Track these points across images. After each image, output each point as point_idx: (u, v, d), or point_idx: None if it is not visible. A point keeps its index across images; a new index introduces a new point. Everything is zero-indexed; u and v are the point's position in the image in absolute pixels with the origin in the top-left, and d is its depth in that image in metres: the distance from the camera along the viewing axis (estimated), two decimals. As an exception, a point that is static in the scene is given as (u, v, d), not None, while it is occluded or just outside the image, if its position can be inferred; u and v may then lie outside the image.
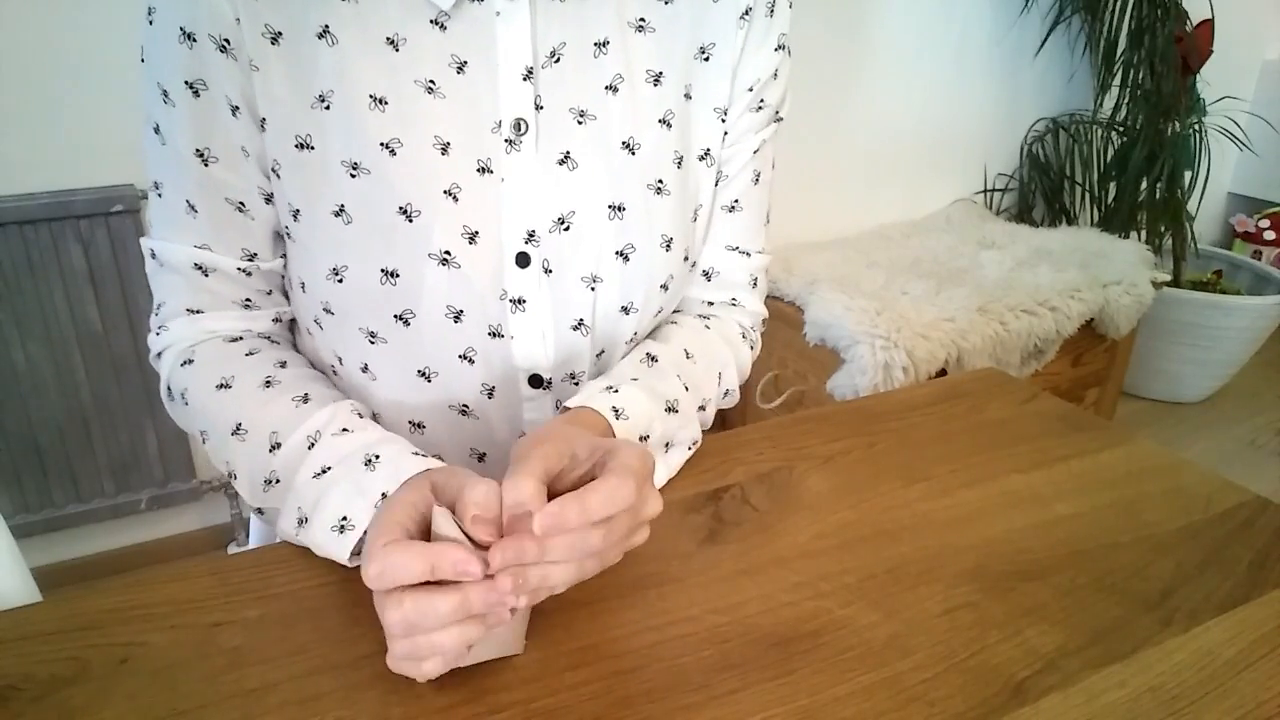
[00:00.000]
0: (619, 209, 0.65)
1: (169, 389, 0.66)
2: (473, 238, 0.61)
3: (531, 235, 0.63)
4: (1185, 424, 2.38)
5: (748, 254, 0.76)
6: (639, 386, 0.63)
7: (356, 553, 0.54)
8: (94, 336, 1.49)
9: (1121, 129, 2.29)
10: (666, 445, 0.65)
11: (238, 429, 0.60)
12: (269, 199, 0.63)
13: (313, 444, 0.58)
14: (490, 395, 0.67)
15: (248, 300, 0.67)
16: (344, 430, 0.58)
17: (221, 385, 0.62)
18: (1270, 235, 2.75)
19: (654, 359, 0.68)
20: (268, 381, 0.62)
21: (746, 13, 0.67)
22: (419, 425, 0.68)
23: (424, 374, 0.65)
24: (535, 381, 0.67)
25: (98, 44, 1.38)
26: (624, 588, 0.54)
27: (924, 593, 0.55)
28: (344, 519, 0.53)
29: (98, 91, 1.41)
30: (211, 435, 0.62)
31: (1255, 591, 0.56)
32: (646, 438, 0.62)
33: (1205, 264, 2.60)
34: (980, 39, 2.26)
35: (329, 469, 0.56)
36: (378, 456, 0.55)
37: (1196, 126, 2.26)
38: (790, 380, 1.88)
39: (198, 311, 0.66)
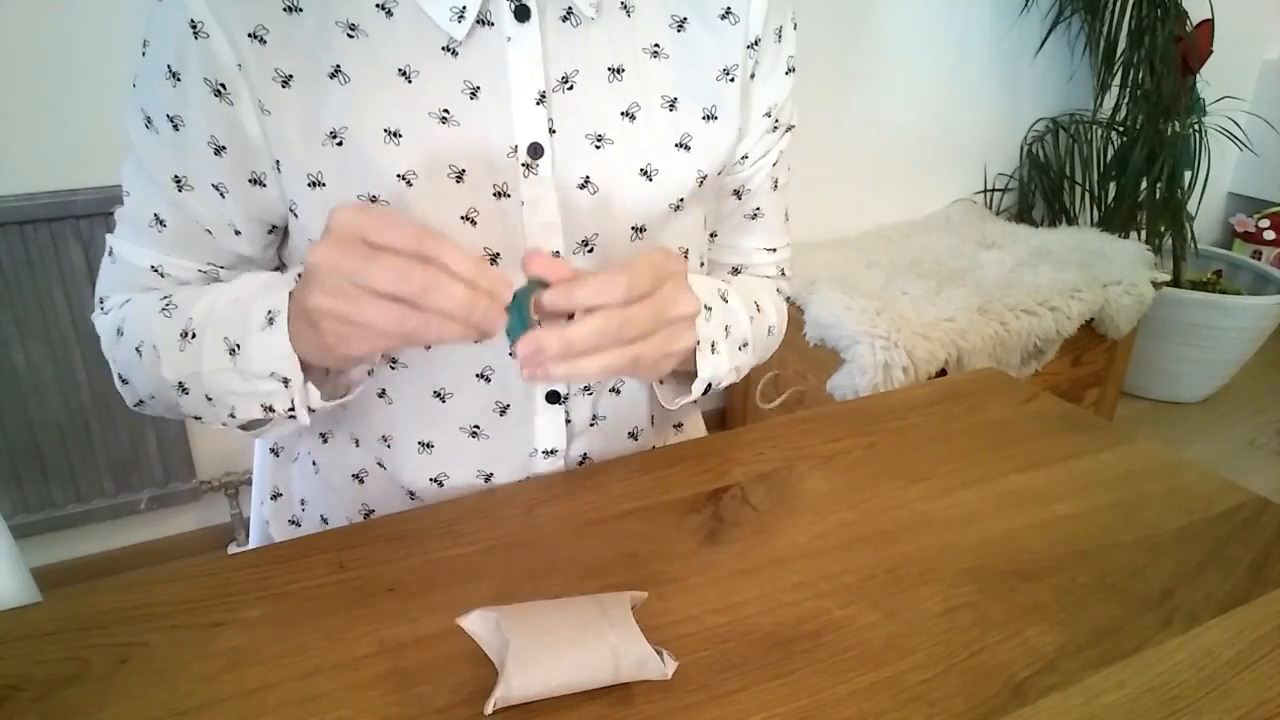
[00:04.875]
0: (640, 230, 0.66)
1: (113, 331, 0.65)
2: (493, 260, 0.62)
3: (555, 257, 0.63)
4: (1185, 424, 2.37)
5: (773, 250, 0.80)
6: (694, 278, 0.66)
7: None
8: (94, 336, 1.48)
9: (1121, 129, 2.29)
10: (726, 328, 0.67)
11: (165, 307, 0.62)
12: (239, 232, 0.64)
13: (227, 285, 0.60)
14: (503, 414, 0.67)
15: None
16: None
17: (166, 296, 0.63)
18: (1270, 235, 2.74)
19: None
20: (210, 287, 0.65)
21: (755, 42, 0.68)
22: (428, 445, 0.68)
23: (439, 394, 0.66)
24: (552, 397, 0.68)
25: (98, 44, 1.38)
26: (625, 588, 0.54)
27: (924, 593, 0.55)
28: (269, 312, 0.54)
29: (98, 91, 1.40)
30: (146, 339, 0.62)
31: (1255, 591, 0.56)
32: (710, 308, 0.65)
33: (1205, 264, 2.60)
34: (980, 39, 2.26)
35: (240, 296, 0.58)
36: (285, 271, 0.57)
37: (1196, 126, 2.26)
38: (790, 380, 1.88)
39: None
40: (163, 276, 0.65)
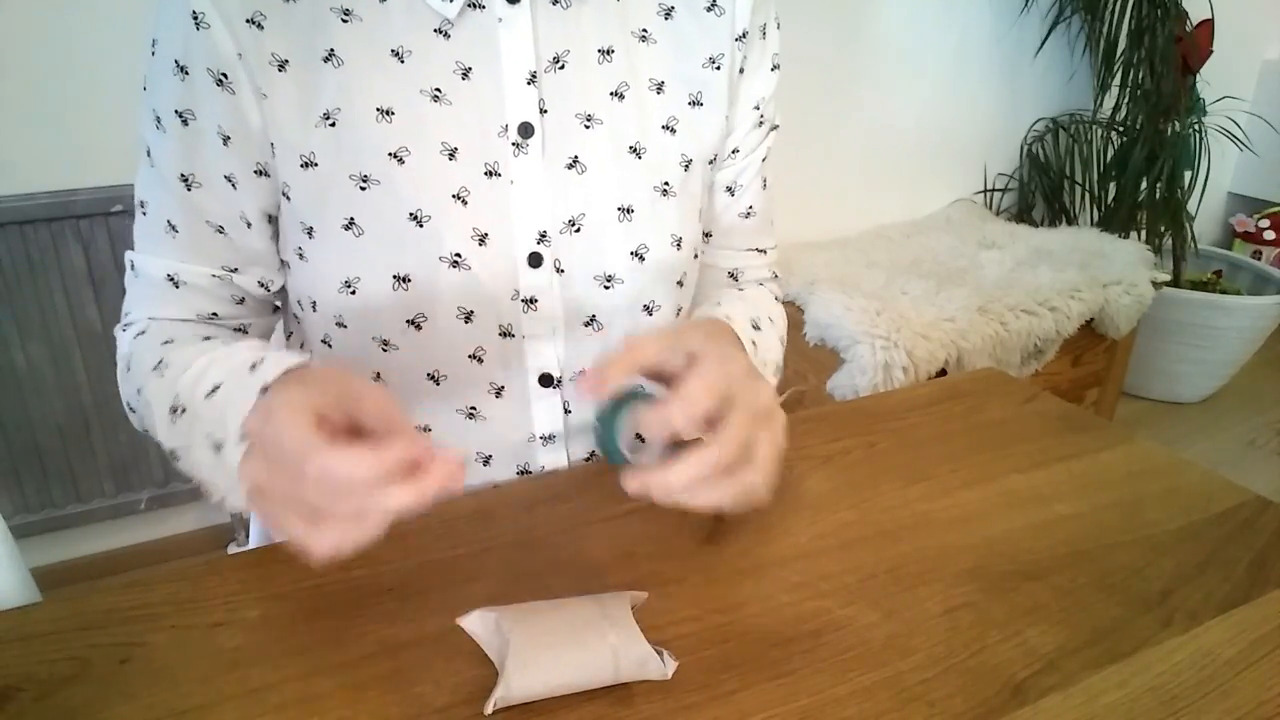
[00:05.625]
0: (628, 211, 0.67)
1: (124, 363, 0.65)
2: (483, 239, 0.63)
3: (543, 236, 0.64)
4: (1185, 424, 2.37)
5: (764, 251, 0.81)
6: (728, 306, 0.68)
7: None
8: (94, 336, 1.49)
9: (1121, 129, 2.29)
10: (764, 364, 0.68)
11: (159, 364, 0.60)
12: (250, 225, 0.64)
13: (210, 364, 0.57)
14: (499, 395, 0.68)
15: (214, 314, 0.67)
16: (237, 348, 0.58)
17: (166, 342, 0.62)
18: (1270, 235, 2.74)
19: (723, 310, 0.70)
20: (208, 337, 0.64)
21: (743, 36, 0.70)
22: (425, 428, 0.68)
23: (433, 377, 0.66)
24: (545, 380, 0.68)
25: (98, 44, 1.38)
26: (625, 588, 0.54)
27: (924, 593, 0.55)
28: (242, 427, 0.51)
29: (98, 91, 1.40)
30: (144, 387, 0.60)
31: (1255, 591, 0.56)
32: (755, 344, 0.66)
33: (1205, 264, 2.60)
34: (980, 39, 2.26)
35: (220, 386, 0.54)
36: (262, 360, 0.53)
37: (1196, 126, 2.26)
38: (790, 380, 1.88)
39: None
40: (178, 286, 0.65)
